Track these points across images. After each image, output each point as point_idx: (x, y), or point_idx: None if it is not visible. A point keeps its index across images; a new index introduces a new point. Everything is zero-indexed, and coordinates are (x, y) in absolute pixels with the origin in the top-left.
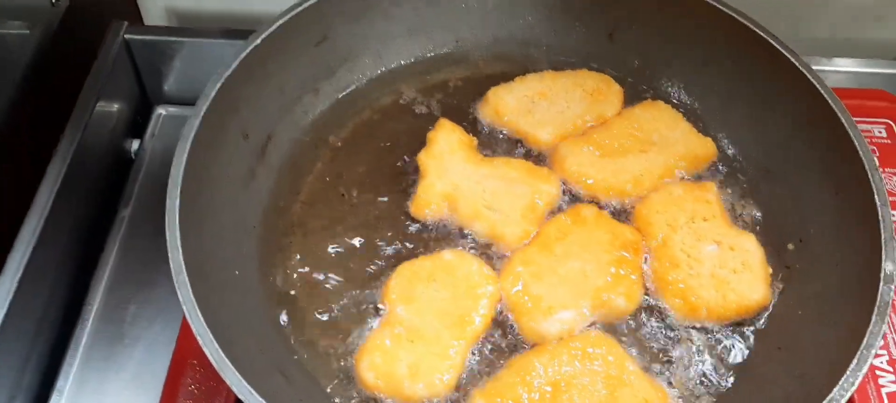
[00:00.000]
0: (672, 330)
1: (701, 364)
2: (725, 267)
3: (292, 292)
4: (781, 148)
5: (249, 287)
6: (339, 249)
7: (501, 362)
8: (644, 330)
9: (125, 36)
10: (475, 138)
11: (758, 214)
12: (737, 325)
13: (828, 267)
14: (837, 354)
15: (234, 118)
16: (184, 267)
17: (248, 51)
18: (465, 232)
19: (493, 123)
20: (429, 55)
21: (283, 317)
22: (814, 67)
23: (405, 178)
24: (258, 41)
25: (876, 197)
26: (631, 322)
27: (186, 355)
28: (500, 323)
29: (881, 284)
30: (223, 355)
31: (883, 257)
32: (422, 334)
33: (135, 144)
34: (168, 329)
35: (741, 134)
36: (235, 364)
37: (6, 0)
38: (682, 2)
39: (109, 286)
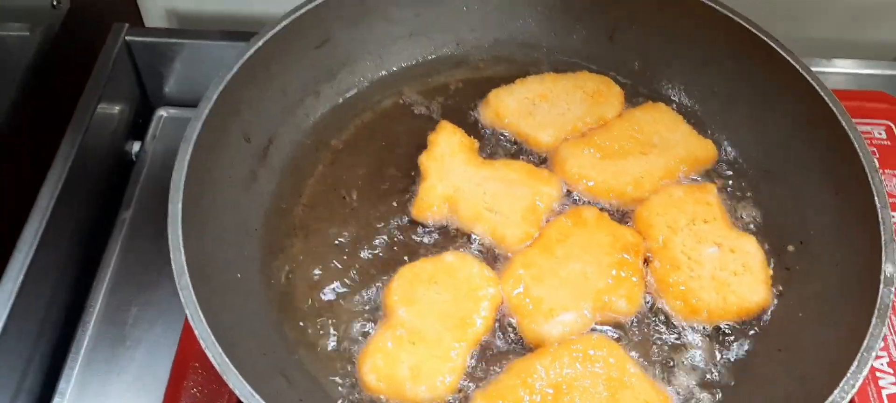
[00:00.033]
0: (673, 331)
1: (701, 365)
2: (726, 269)
3: (293, 294)
4: (782, 149)
5: (251, 289)
6: (340, 251)
7: (503, 364)
8: (645, 331)
9: (126, 38)
10: (476, 140)
11: (758, 216)
12: (737, 327)
13: (828, 269)
14: (838, 356)
15: (235, 121)
16: (186, 270)
17: (249, 53)
18: (467, 234)
19: (493, 125)
20: (429, 57)
21: (285, 320)
22: (814, 68)
23: (406, 181)
24: (260, 44)
25: (876, 199)
26: (632, 324)
27: (188, 357)
28: (501, 326)
29: (881, 286)
30: (226, 358)
31: (883, 259)
32: (423, 336)
33: (136, 146)
34: (169, 331)
35: (741, 136)
36: (238, 366)
37: (7, 2)
38: (682, 3)
39: (111, 288)
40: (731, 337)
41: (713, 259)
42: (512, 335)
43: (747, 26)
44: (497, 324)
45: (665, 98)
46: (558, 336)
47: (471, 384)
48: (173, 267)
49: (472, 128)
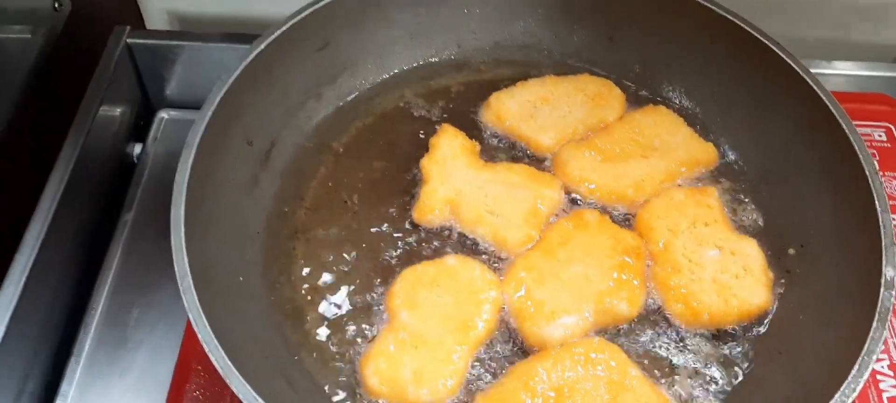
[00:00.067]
0: (674, 334)
1: (702, 368)
2: (727, 272)
3: (296, 297)
4: (782, 152)
5: (253, 292)
6: (342, 255)
7: (505, 367)
8: (646, 334)
9: (127, 40)
10: (477, 143)
11: (759, 219)
12: (738, 330)
13: (828, 272)
14: (838, 358)
15: (237, 124)
16: (189, 273)
17: (251, 57)
18: (468, 237)
19: (495, 128)
20: (431, 60)
21: (287, 323)
22: (814, 70)
23: (408, 184)
24: (262, 47)
25: (876, 202)
26: (633, 327)
27: (190, 360)
28: (503, 328)
29: (882, 290)
30: (228, 361)
31: (883, 262)
32: (425, 339)
33: (137, 148)
34: (171, 332)
35: (742, 138)
36: (240, 370)
37: (9, 4)
38: (682, 6)
39: (113, 290)
40: (732, 340)
41: (714, 261)
42: (513, 338)
43: (747, 29)
44: (499, 327)
45: (666, 100)
46: (560, 339)
47: (472, 387)
48: (176, 270)
49: (474, 130)
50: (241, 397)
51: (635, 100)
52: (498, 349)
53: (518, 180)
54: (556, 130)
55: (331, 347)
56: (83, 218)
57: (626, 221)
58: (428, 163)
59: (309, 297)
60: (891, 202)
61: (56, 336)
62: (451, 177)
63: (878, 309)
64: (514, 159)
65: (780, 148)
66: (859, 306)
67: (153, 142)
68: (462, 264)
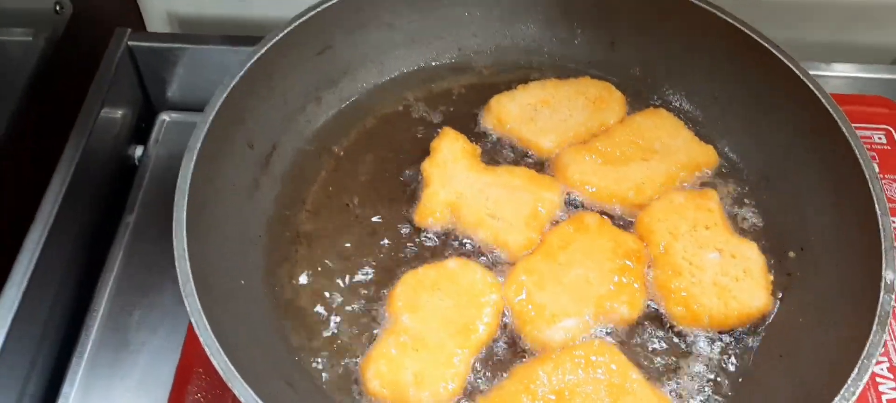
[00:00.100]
0: (674, 337)
1: (703, 371)
2: (727, 275)
3: (297, 301)
4: (782, 155)
5: (255, 296)
6: (343, 258)
7: (506, 370)
8: (646, 337)
9: (128, 43)
10: (478, 147)
11: (759, 222)
12: (738, 332)
13: (829, 275)
14: (838, 361)
15: (239, 128)
16: (191, 277)
17: (252, 61)
18: (469, 240)
19: (495, 131)
20: (431, 64)
21: (289, 326)
22: (814, 72)
23: (409, 187)
24: (262, 51)
25: (876, 205)
26: (634, 329)
27: (192, 362)
28: (504, 332)
29: (881, 293)
30: (230, 365)
31: (883, 265)
32: (426, 342)
33: (138, 150)
34: (173, 334)
35: (742, 141)
36: (242, 373)
37: (10, 7)
38: (682, 9)
39: (114, 292)
40: (732, 343)
41: (714, 264)
42: (515, 341)
43: (747, 31)
44: (500, 330)
45: (666, 103)
46: (561, 342)
47: (474, 390)
48: (178, 274)
49: (475, 134)
50: (242, 400)
51: (636, 103)
52: (499, 352)
53: (519, 183)
54: (556, 133)
55: (332, 350)
56: (85, 221)
57: (627, 224)
58: (429, 167)
59: (310, 300)
60: (891, 205)
61: (58, 338)
62: (452, 180)
63: (877, 312)
64: (515, 162)
65: (781, 150)
66: (859, 309)
67: (154, 144)
68: (463, 267)
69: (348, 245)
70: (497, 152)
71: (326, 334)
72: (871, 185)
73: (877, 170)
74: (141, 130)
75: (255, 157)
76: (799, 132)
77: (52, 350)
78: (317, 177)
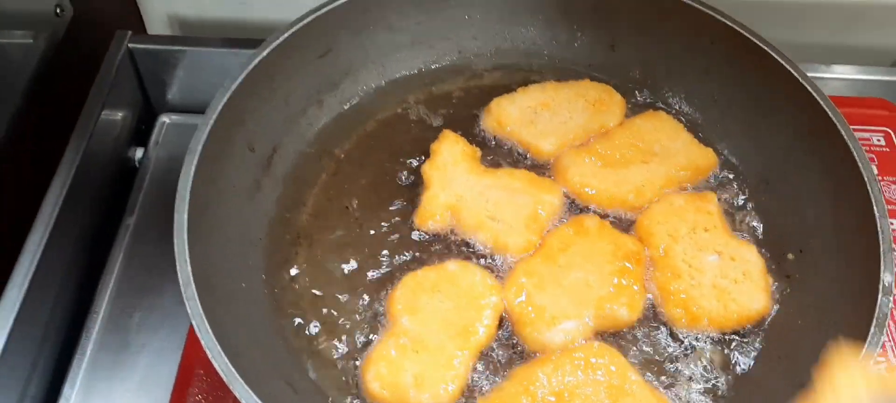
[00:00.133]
0: (673, 339)
1: (702, 373)
2: (726, 277)
3: (298, 303)
4: (781, 158)
5: (256, 298)
6: (344, 260)
7: (505, 372)
8: (646, 339)
9: (129, 45)
10: (478, 149)
11: (758, 224)
12: (737, 334)
13: (827, 277)
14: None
15: (240, 130)
16: (192, 280)
17: (254, 63)
18: (469, 242)
19: (495, 134)
20: (432, 66)
21: (290, 328)
22: (813, 74)
23: (409, 189)
24: (264, 53)
25: (874, 208)
26: (633, 332)
27: (193, 364)
28: (504, 333)
29: (880, 295)
30: (232, 368)
31: (881, 268)
32: (426, 344)
33: (139, 153)
34: (174, 336)
35: (742, 144)
36: (243, 376)
37: (10, 9)
38: (682, 12)
39: (115, 293)
40: (732, 345)
41: (714, 267)
42: (514, 343)
43: (747, 34)
44: (499, 332)
45: (666, 106)
46: (560, 344)
47: (474, 391)
48: (180, 277)
49: (475, 136)
50: (243, 402)
51: (636, 106)
52: (499, 354)
53: (519, 186)
54: (556, 136)
55: (333, 352)
56: (85, 223)
57: (627, 226)
58: (429, 169)
59: (311, 303)
60: (889, 207)
61: (59, 340)
62: (452, 182)
63: (875, 314)
64: (515, 165)
65: (780, 153)
66: (857, 310)
67: (155, 146)
68: (463, 269)
69: (348, 247)
70: (497, 155)
71: (327, 336)
72: (869, 188)
73: (875, 172)
74: (141, 132)
75: (256, 160)
76: (798, 135)
77: (53, 352)
78: (317, 179)
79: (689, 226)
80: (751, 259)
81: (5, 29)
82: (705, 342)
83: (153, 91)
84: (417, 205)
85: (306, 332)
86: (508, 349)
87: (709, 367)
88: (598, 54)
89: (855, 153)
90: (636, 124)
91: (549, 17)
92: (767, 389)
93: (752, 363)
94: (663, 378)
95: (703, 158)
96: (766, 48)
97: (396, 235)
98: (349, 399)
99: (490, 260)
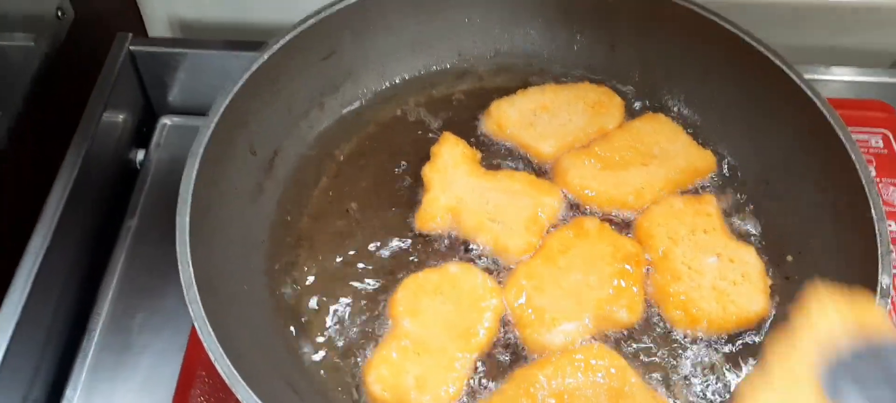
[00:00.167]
0: (673, 341)
1: (701, 374)
2: (725, 279)
3: (299, 305)
4: (780, 160)
5: (258, 300)
6: (345, 263)
7: (506, 373)
8: (646, 341)
9: (130, 47)
10: (478, 151)
11: (757, 226)
12: (737, 336)
13: (826, 279)
14: None
15: (241, 133)
16: (194, 283)
17: (256, 66)
18: (470, 244)
19: (495, 136)
20: (432, 69)
21: (291, 330)
22: (812, 76)
23: (409, 192)
24: (266, 56)
25: (873, 211)
26: (633, 333)
27: (195, 366)
28: (504, 335)
29: (878, 297)
30: (234, 370)
31: (879, 270)
32: (428, 346)
33: (140, 154)
34: (176, 337)
35: (741, 146)
36: (246, 378)
37: (12, 12)
38: (681, 15)
39: (117, 295)
40: (731, 346)
41: (713, 269)
42: (515, 344)
43: (746, 38)
44: (500, 334)
45: (665, 109)
46: (560, 346)
47: (475, 393)
48: (182, 280)
49: (475, 139)
50: None
51: (635, 109)
52: (499, 355)
53: (519, 188)
54: (556, 138)
55: (334, 354)
56: (87, 224)
57: (626, 229)
58: (429, 172)
59: (312, 305)
60: (888, 208)
61: (61, 342)
62: (453, 184)
63: None
64: (515, 167)
65: (779, 155)
66: None
67: (156, 148)
68: (464, 271)
69: (350, 249)
70: (497, 157)
71: (328, 338)
72: (867, 190)
73: (874, 174)
74: (142, 134)
75: (257, 162)
76: (797, 137)
77: (56, 354)
78: (318, 181)
79: (689, 228)
80: (750, 261)
81: (6, 31)
82: (704, 343)
83: (154, 93)
84: (418, 208)
85: (308, 334)
86: (509, 351)
87: (708, 369)
88: (597, 57)
89: (853, 156)
90: (635, 126)
91: (549, 20)
92: None
93: (751, 364)
94: (663, 379)
95: (702, 160)
96: (764, 51)
97: (397, 237)
98: (351, 401)
99: (490, 262)
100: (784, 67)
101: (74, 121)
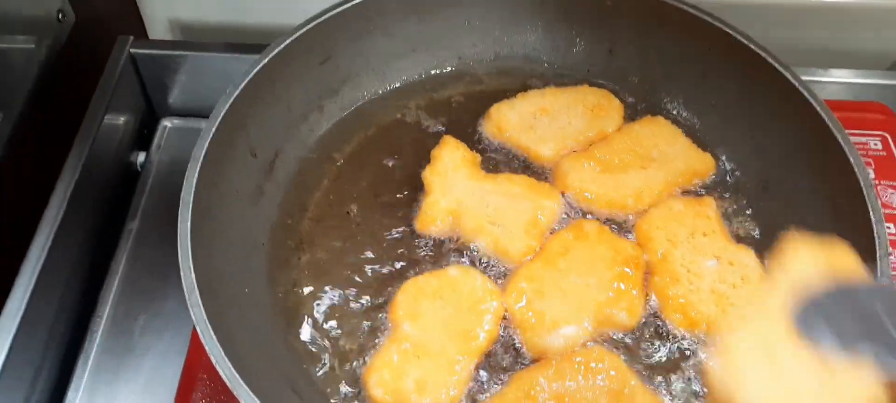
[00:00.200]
0: (673, 344)
1: (701, 377)
2: (725, 282)
3: (300, 308)
4: (780, 162)
5: (259, 303)
6: (346, 265)
7: (506, 376)
8: (645, 344)
9: (131, 50)
10: (478, 154)
11: (756, 229)
12: None
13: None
14: None
15: (242, 136)
16: (196, 287)
17: (256, 70)
18: (470, 247)
19: (495, 139)
20: (432, 72)
21: (292, 333)
22: (811, 78)
23: (410, 195)
24: (267, 60)
25: (871, 214)
26: (633, 336)
27: (196, 368)
28: (504, 338)
29: None
30: (236, 373)
31: (878, 273)
32: (428, 349)
33: (141, 157)
34: (177, 339)
35: (740, 149)
36: (247, 381)
37: (13, 15)
38: (680, 18)
39: (118, 297)
40: None
41: (712, 271)
42: (515, 347)
43: (743, 40)
44: (500, 337)
45: (664, 111)
46: (560, 349)
47: (475, 396)
48: (184, 284)
49: (475, 142)
50: None
51: (634, 111)
52: (499, 358)
53: (519, 191)
54: (555, 141)
55: (335, 357)
56: (88, 226)
57: (626, 231)
58: (429, 175)
59: (313, 308)
60: (887, 211)
61: (63, 343)
62: (453, 188)
63: None
64: (515, 170)
65: (778, 158)
66: None
67: (157, 150)
68: (464, 274)
69: (350, 252)
70: (497, 160)
71: (329, 340)
72: (865, 193)
73: (872, 176)
74: (143, 136)
75: (258, 165)
76: (796, 139)
77: (58, 355)
78: (319, 184)
79: (688, 231)
80: (749, 263)
81: (8, 34)
82: (704, 346)
83: (155, 95)
84: (418, 211)
85: (309, 336)
86: (509, 353)
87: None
88: (596, 60)
89: (851, 158)
90: (635, 129)
91: (549, 23)
92: None
93: None
94: (663, 382)
95: (702, 163)
96: (762, 54)
97: (397, 240)
98: None
99: (491, 265)
100: (782, 69)
101: (76, 124)
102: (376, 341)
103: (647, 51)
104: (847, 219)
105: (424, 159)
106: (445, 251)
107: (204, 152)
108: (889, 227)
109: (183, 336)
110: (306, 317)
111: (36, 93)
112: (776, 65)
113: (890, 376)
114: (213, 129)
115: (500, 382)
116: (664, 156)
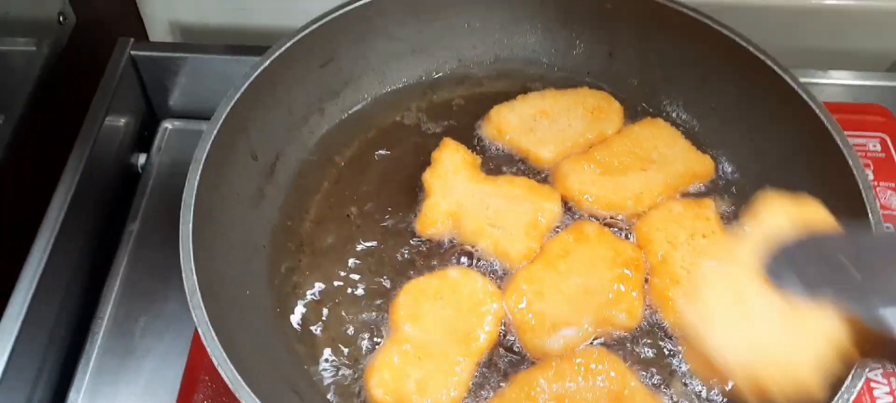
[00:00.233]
0: (672, 345)
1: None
2: None
3: (301, 310)
4: (779, 165)
5: (260, 305)
6: (346, 267)
7: (506, 377)
8: (645, 345)
9: (131, 52)
10: (478, 157)
11: None
12: None
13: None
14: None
15: (243, 139)
16: (198, 289)
17: (257, 73)
18: (470, 249)
19: (495, 142)
20: (432, 75)
21: (293, 335)
22: (810, 80)
23: (410, 197)
24: (267, 62)
25: (870, 216)
26: (633, 337)
27: (198, 370)
28: (504, 340)
29: None
30: (237, 375)
31: None
32: (429, 351)
33: (142, 158)
34: (179, 340)
35: (739, 151)
36: (249, 383)
37: (14, 17)
38: (680, 21)
39: (120, 299)
40: None
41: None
42: (515, 349)
43: (743, 44)
44: (500, 338)
45: (664, 113)
46: (560, 350)
47: (475, 397)
48: (185, 286)
49: (475, 144)
50: None
51: (634, 114)
52: (499, 359)
53: (519, 193)
54: (555, 143)
55: (336, 358)
56: (89, 228)
57: (626, 233)
58: (430, 177)
59: (313, 309)
60: (886, 213)
61: (64, 345)
62: (453, 190)
63: None
64: (515, 172)
65: (777, 159)
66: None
67: (157, 152)
68: (464, 276)
69: (351, 254)
70: (497, 162)
71: (330, 342)
72: (864, 195)
73: (871, 178)
74: (144, 138)
75: (259, 168)
76: (795, 141)
77: (59, 357)
78: (320, 186)
79: (688, 233)
80: None
81: (8, 36)
82: None
83: (156, 97)
84: (418, 213)
85: (310, 338)
86: (509, 355)
87: None
88: (596, 62)
89: (849, 160)
90: (634, 132)
91: (549, 26)
92: None
93: None
94: (662, 383)
95: (701, 165)
96: (761, 56)
97: (398, 242)
98: None
99: (491, 267)
100: (781, 72)
101: (76, 126)
102: (377, 342)
103: (646, 53)
104: (846, 221)
105: (425, 161)
106: (446, 253)
107: (205, 154)
108: (888, 228)
109: (183, 338)
110: (307, 319)
111: (37, 95)
112: (775, 67)
113: (849, 314)
114: (215, 132)
115: (500, 383)
116: (664, 158)
